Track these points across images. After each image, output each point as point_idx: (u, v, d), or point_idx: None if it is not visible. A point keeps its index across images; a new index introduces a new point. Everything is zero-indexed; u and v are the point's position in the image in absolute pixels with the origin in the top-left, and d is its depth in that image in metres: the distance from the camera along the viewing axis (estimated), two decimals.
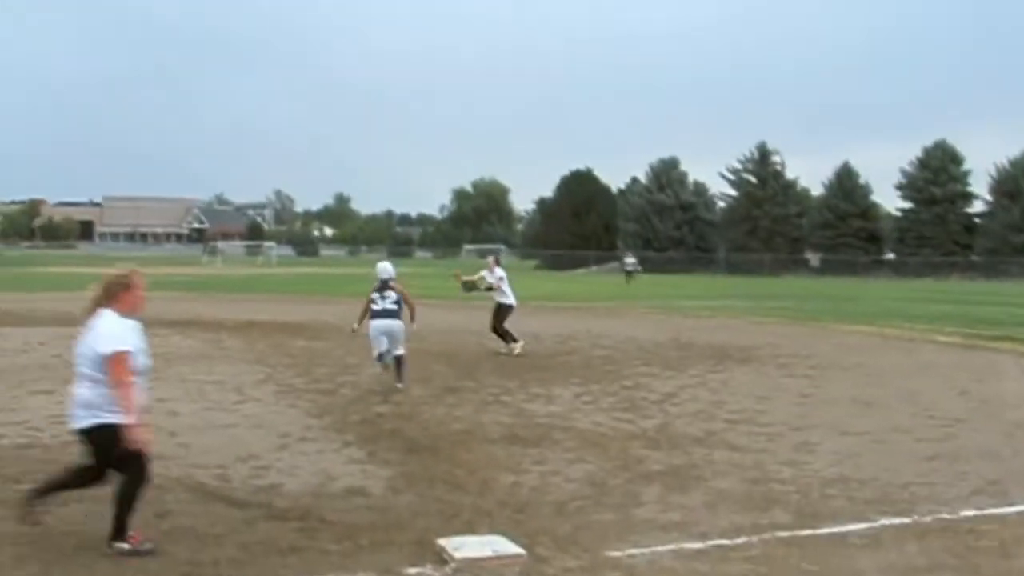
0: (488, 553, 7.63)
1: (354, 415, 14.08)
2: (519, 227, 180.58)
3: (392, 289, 17.39)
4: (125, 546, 7.77)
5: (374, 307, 17.25)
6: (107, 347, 7.75)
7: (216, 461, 10.98)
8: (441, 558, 7.63)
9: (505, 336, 22.59)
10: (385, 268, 17.80)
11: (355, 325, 17.86)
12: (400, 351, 17.05)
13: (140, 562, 7.54)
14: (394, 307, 17.21)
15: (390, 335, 17.00)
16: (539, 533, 8.32)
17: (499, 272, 23.19)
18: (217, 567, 7.44)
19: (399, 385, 16.69)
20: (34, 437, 12.33)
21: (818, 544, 8.21)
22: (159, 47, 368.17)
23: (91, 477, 8.23)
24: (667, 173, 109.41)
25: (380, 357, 17.24)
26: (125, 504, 7.89)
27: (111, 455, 7.88)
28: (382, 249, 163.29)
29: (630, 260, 70.03)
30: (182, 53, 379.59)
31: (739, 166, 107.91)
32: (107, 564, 7.50)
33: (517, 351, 21.98)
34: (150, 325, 27.61)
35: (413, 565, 7.54)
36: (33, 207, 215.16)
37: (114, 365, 7.74)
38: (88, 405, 7.85)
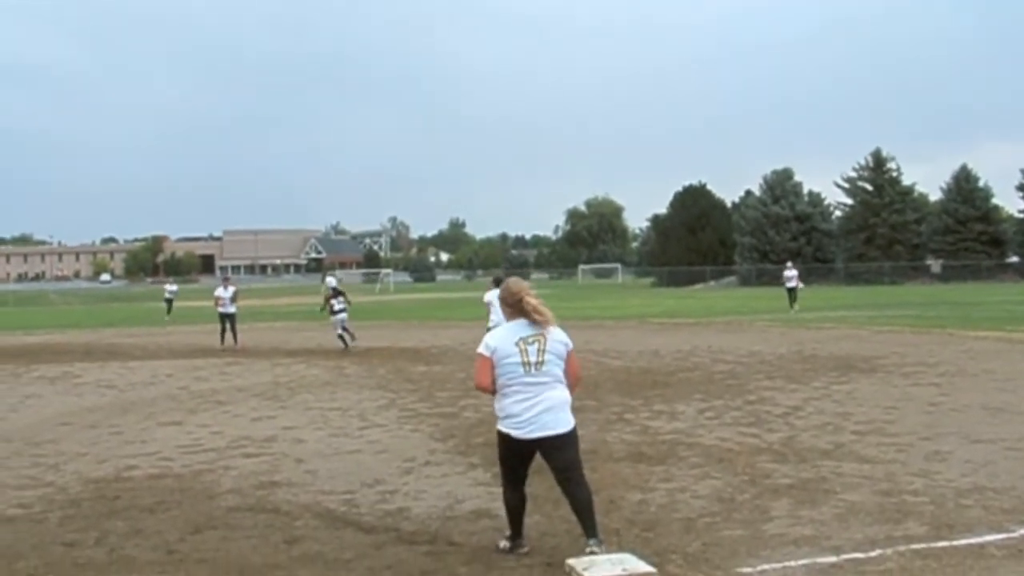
0: (618, 572, 7.52)
1: (478, 437, 14.10)
2: (634, 245, 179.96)
3: (343, 294, 31.61)
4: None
5: (335, 307, 30.92)
6: (570, 343, 8.22)
7: (343, 487, 11.05)
8: None
9: None
10: (331, 281, 33.97)
11: (320, 308, 33.55)
12: (349, 327, 31.16)
13: None
14: (344, 305, 31.14)
15: (344, 322, 30.95)
16: (669, 551, 8.23)
17: (489, 296, 22.27)
18: None
19: (352, 343, 30.65)
20: (166, 467, 12.54)
21: (956, 556, 7.97)
22: (274, 84, 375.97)
23: (523, 485, 8.40)
24: (781, 184, 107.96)
25: (340, 336, 30.82)
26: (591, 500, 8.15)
27: (578, 451, 8.21)
28: (498, 272, 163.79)
29: (790, 273, 49.70)
30: (296, 88, 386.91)
31: (854, 174, 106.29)
32: None
33: None
34: (273, 355, 27.97)
35: None
36: (156, 243, 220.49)
37: (575, 361, 8.30)
38: (568, 405, 8.10)
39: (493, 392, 8.07)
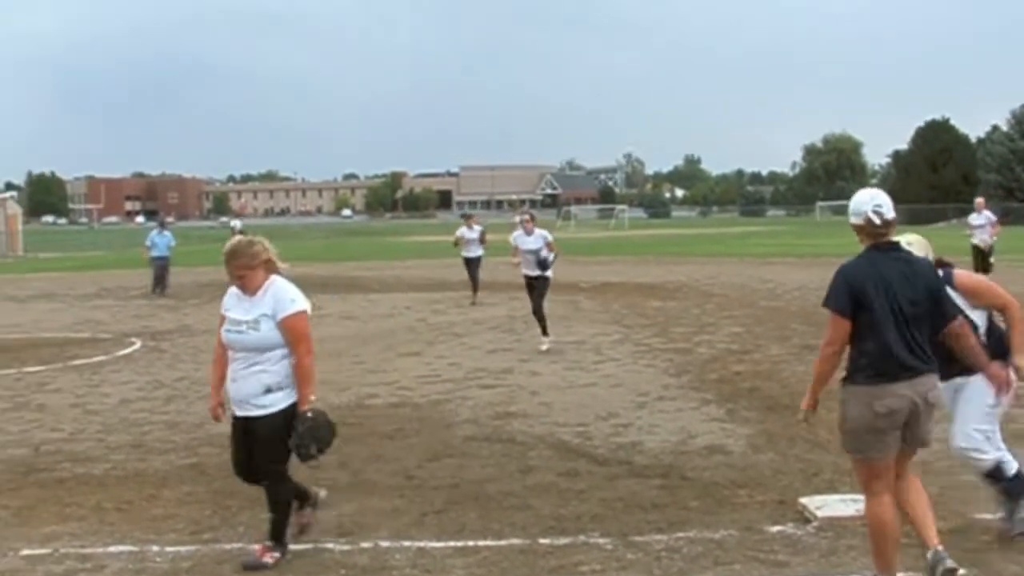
0: (851, 512, 7.43)
1: (712, 374, 14.03)
2: (873, 182, 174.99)
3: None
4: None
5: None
6: None
7: (577, 419, 11.15)
8: (803, 517, 7.51)
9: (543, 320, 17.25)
10: (236, 224, 35.59)
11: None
12: None
13: (505, 514, 7.73)
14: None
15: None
16: None
17: (540, 234, 17.39)
18: (580, 521, 7.53)
19: None
20: (404, 396, 12.87)
21: None
22: (516, 22, 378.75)
23: None
24: None
25: None
26: None
27: None
28: (733, 209, 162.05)
29: None
30: (538, 24, 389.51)
31: None
32: (475, 515, 7.73)
33: (544, 347, 16.86)
34: (508, 289, 28.39)
35: (775, 523, 7.44)
36: (395, 180, 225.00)
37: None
38: None
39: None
